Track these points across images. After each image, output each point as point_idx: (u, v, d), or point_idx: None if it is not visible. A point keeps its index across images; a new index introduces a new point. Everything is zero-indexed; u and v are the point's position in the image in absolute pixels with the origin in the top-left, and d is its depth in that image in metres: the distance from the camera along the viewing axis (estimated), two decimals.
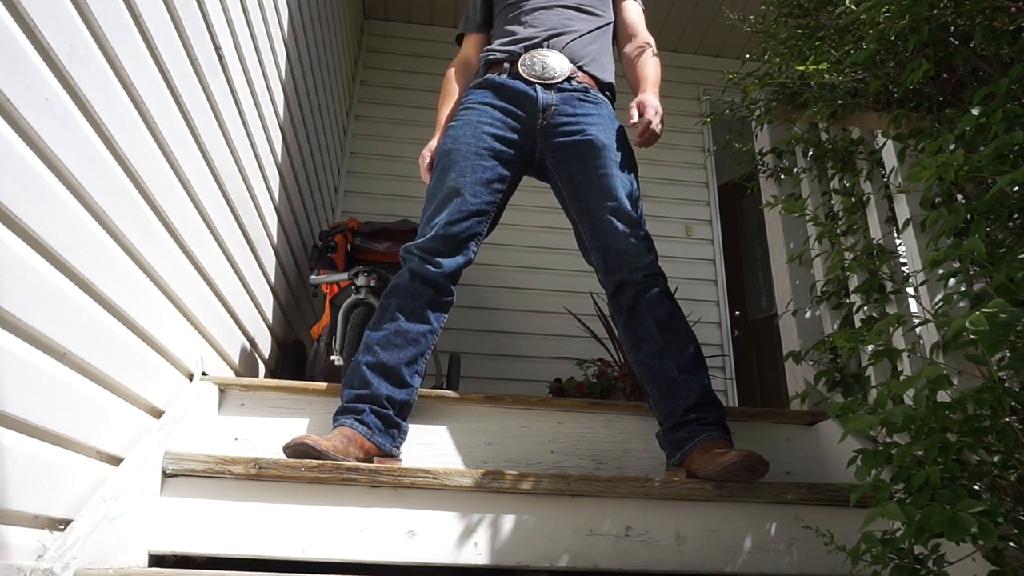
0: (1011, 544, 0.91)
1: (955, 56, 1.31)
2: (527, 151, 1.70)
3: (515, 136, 1.67)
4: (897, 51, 1.40)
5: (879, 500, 0.93)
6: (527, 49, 1.74)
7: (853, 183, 1.70)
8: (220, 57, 1.68)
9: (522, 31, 1.78)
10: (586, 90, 1.72)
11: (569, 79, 1.71)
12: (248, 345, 2.06)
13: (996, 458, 0.95)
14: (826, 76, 1.49)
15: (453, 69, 1.91)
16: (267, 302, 2.25)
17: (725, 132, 2.17)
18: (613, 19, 1.90)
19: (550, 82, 1.69)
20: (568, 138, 1.65)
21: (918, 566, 0.91)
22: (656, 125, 1.64)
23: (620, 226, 1.57)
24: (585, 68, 1.75)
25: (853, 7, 1.43)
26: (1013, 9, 1.17)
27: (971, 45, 1.25)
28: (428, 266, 1.56)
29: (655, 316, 1.53)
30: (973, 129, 1.08)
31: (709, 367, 1.68)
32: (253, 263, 2.06)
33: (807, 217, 1.78)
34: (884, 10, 1.30)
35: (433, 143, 1.79)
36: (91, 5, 1.10)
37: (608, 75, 1.80)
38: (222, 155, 1.73)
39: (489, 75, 1.76)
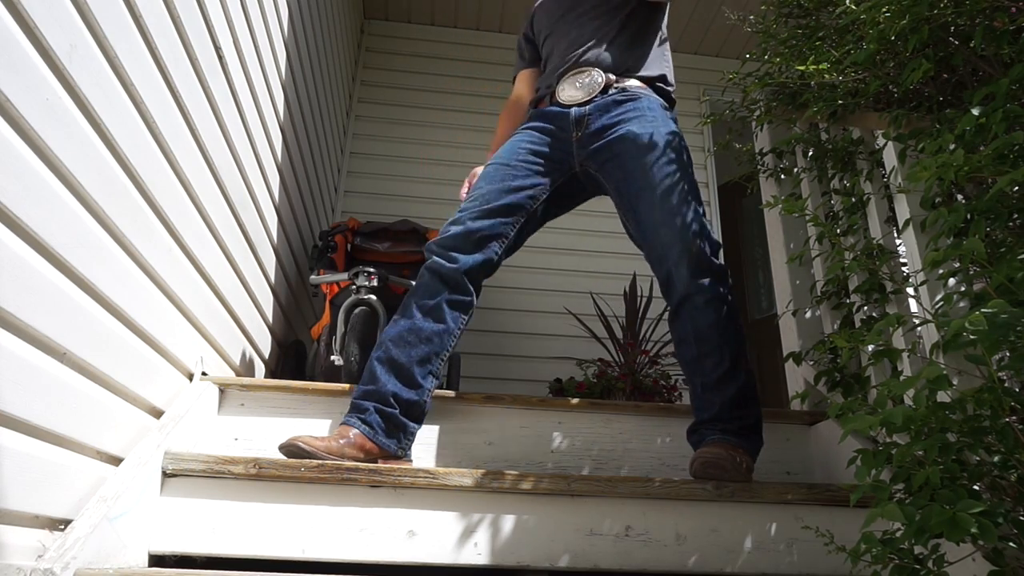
0: (1011, 544, 0.91)
1: (955, 56, 1.31)
2: (563, 164, 1.70)
3: (547, 149, 1.69)
4: (897, 51, 1.40)
5: (879, 500, 0.93)
6: (560, 78, 1.75)
7: (853, 183, 1.70)
8: (220, 57, 1.68)
9: (556, 60, 1.80)
10: (623, 90, 1.69)
11: (604, 90, 1.70)
12: (248, 345, 2.06)
13: (996, 458, 0.95)
14: (826, 76, 1.49)
15: (505, 110, 1.98)
16: (267, 302, 2.25)
17: (725, 132, 2.17)
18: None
19: (586, 99, 1.69)
20: (603, 140, 1.64)
21: (918, 566, 0.91)
22: None
23: (663, 219, 1.53)
24: (621, 72, 1.72)
25: (853, 7, 1.43)
26: (1013, 9, 1.17)
27: (971, 45, 1.25)
28: (444, 261, 1.55)
29: (695, 324, 1.50)
30: (973, 129, 1.08)
31: None
32: (253, 263, 2.06)
33: (807, 217, 1.77)
34: (884, 10, 1.30)
35: (479, 169, 1.81)
36: (91, 5, 1.10)
37: (650, 69, 1.75)
38: (222, 155, 1.73)
39: (534, 110, 1.81)
